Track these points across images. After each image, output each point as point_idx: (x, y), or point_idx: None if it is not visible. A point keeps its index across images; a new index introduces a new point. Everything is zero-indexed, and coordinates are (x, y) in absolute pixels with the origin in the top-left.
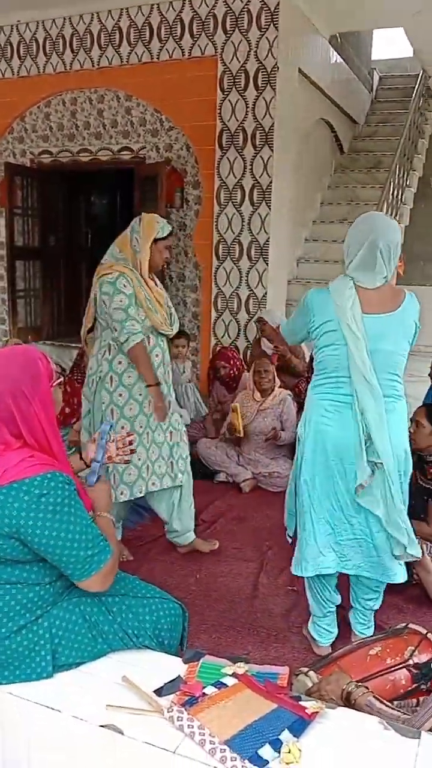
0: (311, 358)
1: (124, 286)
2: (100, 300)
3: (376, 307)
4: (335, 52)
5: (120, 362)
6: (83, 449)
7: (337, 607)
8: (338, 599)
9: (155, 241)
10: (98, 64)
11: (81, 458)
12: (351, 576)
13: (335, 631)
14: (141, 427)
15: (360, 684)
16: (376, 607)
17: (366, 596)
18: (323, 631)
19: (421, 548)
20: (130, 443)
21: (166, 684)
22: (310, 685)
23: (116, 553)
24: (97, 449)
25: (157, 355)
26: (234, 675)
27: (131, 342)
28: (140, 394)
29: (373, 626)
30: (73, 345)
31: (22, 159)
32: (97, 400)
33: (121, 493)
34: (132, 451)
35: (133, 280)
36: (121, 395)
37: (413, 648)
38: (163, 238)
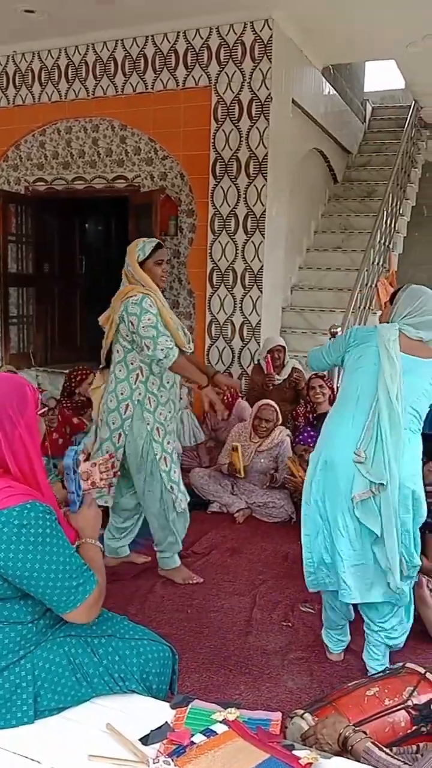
0: (307, 385)
1: (150, 305)
2: (127, 321)
3: (411, 350)
4: (328, 84)
5: (153, 383)
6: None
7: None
8: (348, 618)
9: (141, 263)
10: (93, 94)
11: (64, 486)
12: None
13: (347, 639)
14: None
15: (358, 728)
16: (391, 641)
17: (377, 620)
18: (335, 640)
19: (421, 581)
20: (113, 466)
21: (152, 731)
22: (305, 728)
23: (102, 583)
24: (68, 482)
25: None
26: (224, 721)
27: (171, 357)
28: (171, 411)
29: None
30: (67, 371)
31: (16, 187)
32: (136, 425)
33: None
34: (116, 474)
35: (156, 301)
36: (161, 413)
37: (412, 688)
38: (147, 258)
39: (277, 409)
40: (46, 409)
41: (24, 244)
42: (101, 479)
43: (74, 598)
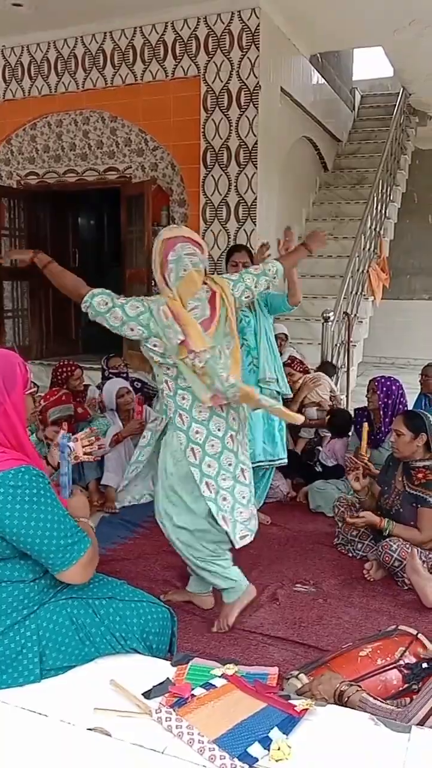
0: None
1: None
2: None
3: None
4: (317, 72)
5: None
6: (48, 455)
7: None
8: None
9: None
10: (83, 87)
11: (48, 463)
12: None
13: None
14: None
15: (352, 683)
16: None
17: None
18: None
19: (413, 552)
20: (97, 438)
21: (154, 686)
22: (300, 686)
23: (95, 546)
24: (61, 462)
25: None
26: (223, 676)
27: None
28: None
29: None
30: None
31: (8, 181)
32: None
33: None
34: (101, 446)
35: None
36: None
37: (404, 649)
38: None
39: None
40: (35, 389)
41: (17, 238)
42: (84, 453)
43: (69, 555)
